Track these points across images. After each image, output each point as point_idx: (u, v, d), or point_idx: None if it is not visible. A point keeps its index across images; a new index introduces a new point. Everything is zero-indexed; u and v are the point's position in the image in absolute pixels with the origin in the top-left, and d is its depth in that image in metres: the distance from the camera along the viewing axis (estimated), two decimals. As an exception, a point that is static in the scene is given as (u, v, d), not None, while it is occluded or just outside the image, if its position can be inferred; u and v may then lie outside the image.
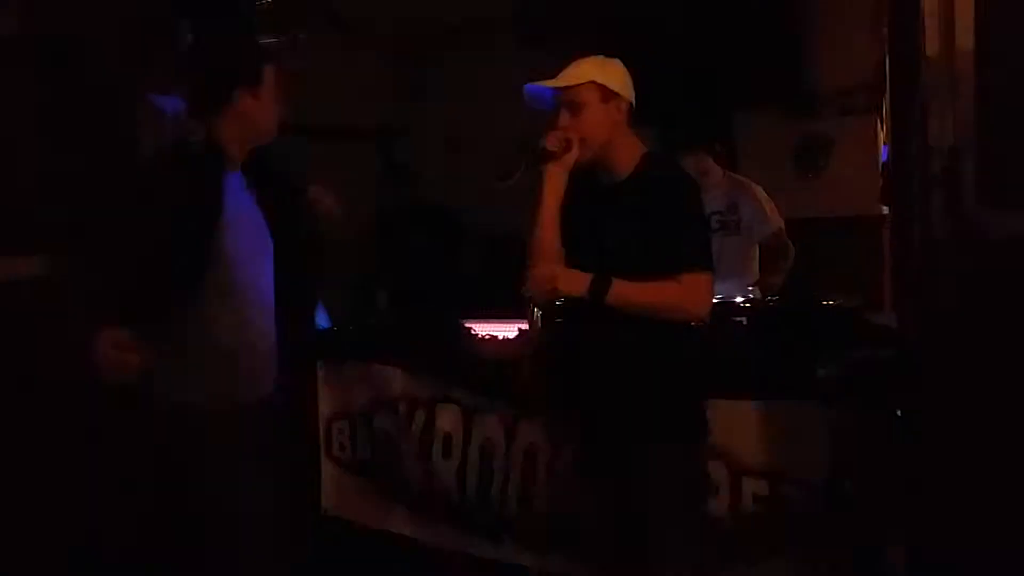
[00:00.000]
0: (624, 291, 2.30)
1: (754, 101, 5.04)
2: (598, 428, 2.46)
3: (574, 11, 5.15)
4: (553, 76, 2.47)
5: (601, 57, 2.47)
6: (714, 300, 2.49)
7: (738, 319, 3.27)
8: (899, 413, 2.55)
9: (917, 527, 2.45)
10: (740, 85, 4.96)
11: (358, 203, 4.80)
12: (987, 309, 2.15)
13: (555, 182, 2.42)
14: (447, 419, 3.49)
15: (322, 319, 3.86)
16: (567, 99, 2.42)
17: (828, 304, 3.26)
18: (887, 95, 3.27)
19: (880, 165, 4.73)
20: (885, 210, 4.18)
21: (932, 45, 2.44)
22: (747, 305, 3.51)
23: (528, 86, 2.46)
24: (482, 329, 3.49)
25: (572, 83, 2.41)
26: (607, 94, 2.42)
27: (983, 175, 2.21)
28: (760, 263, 4.21)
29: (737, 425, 2.80)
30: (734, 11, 4.93)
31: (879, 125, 4.78)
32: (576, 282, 2.32)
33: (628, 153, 2.45)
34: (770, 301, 3.90)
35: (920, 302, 2.45)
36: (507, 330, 3.38)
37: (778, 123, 5.17)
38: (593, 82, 2.41)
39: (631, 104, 2.46)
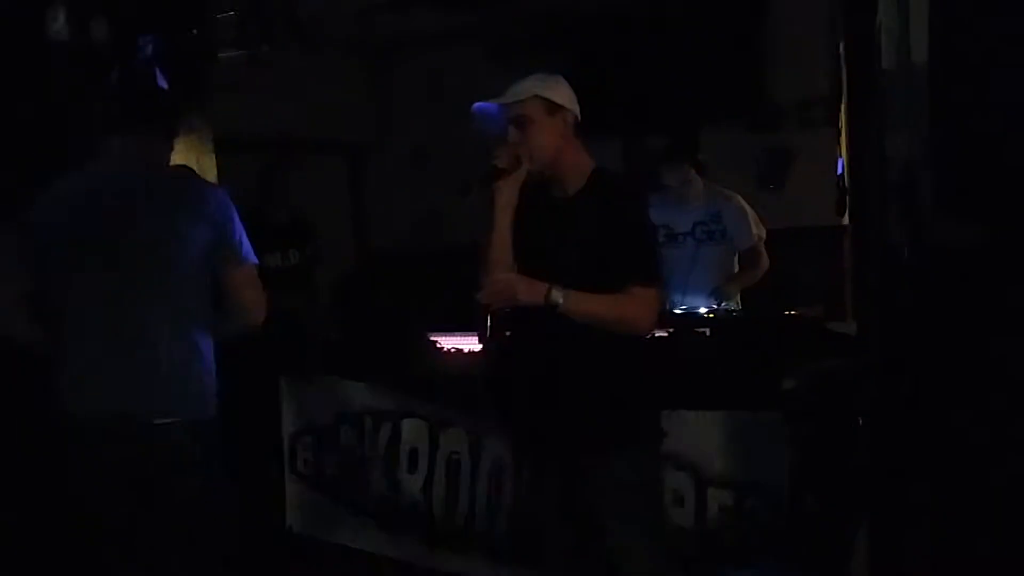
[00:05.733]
0: (578, 301, 2.35)
1: (716, 115, 5.10)
2: (550, 435, 2.47)
3: (542, 30, 5.19)
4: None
5: (543, 74, 2.51)
6: (659, 313, 2.50)
7: (701, 330, 3.29)
8: (860, 421, 2.58)
9: (880, 535, 2.47)
10: (702, 100, 5.03)
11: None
12: (946, 317, 2.18)
13: (505, 198, 2.46)
14: (413, 433, 3.47)
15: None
16: (513, 115, 2.45)
17: (790, 314, 3.30)
18: (845, 108, 3.32)
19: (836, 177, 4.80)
20: (845, 221, 4.24)
21: (888, 59, 2.48)
22: (710, 316, 3.53)
23: (476, 106, 2.49)
24: (447, 342, 3.48)
25: (516, 98, 2.45)
26: (552, 107, 2.45)
27: (939, 186, 2.24)
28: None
29: (701, 436, 2.82)
30: (697, 28, 5.00)
31: (837, 137, 4.85)
32: (534, 291, 2.35)
33: (578, 168, 2.49)
34: (733, 312, 3.93)
35: (880, 311, 2.48)
36: (471, 343, 3.38)
37: (739, 137, 5.23)
38: (537, 96, 2.44)
39: (576, 117, 2.50)
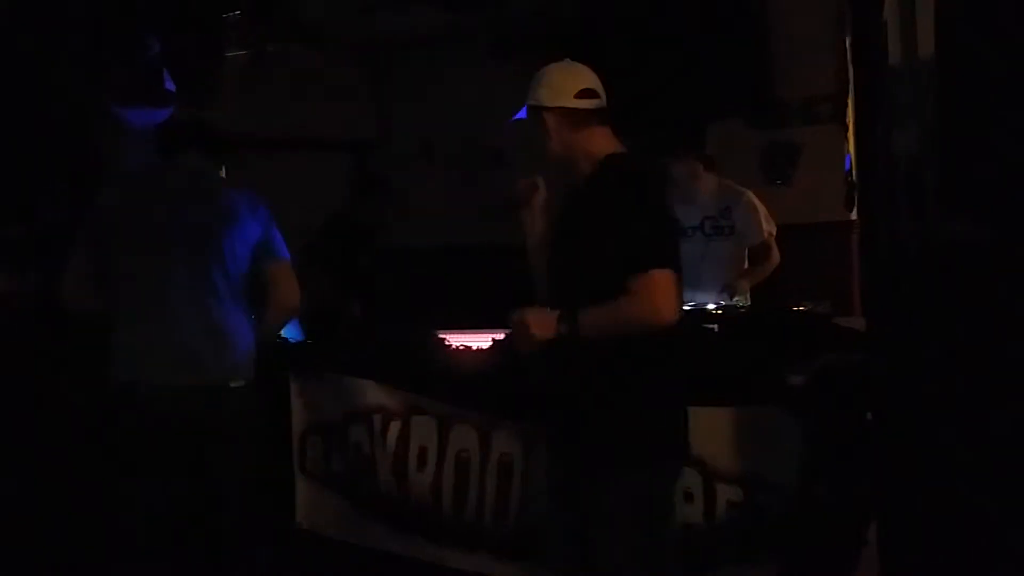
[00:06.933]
0: (590, 319, 2.23)
1: (722, 111, 5.10)
2: (564, 445, 2.43)
3: (544, 25, 5.20)
4: (521, 87, 2.50)
5: (535, 75, 2.43)
6: (679, 301, 2.30)
7: (709, 326, 3.30)
8: (868, 416, 2.58)
9: (890, 530, 2.47)
10: (708, 96, 5.03)
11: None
12: (952, 312, 2.18)
13: (529, 223, 2.53)
14: (421, 430, 3.48)
15: (294, 331, 3.85)
16: None
17: (798, 309, 3.30)
18: (851, 104, 3.32)
19: (844, 173, 4.79)
20: (853, 216, 4.24)
21: (894, 55, 2.48)
22: (719, 312, 3.54)
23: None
24: (455, 340, 3.49)
25: (518, 117, 2.46)
26: (532, 111, 2.41)
27: (946, 181, 2.24)
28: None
29: (710, 432, 2.82)
30: (702, 24, 5.00)
31: (844, 134, 4.85)
32: (546, 325, 2.26)
33: (588, 157, 2.38)
34: (741, 307, 3.94)
35: (888, 306, 2.48)
36: (480, 340, 3.39)
37: (745, 132, 5.23)
38: (527, 105, 2.42)
39: (565, 107, 2.35)
